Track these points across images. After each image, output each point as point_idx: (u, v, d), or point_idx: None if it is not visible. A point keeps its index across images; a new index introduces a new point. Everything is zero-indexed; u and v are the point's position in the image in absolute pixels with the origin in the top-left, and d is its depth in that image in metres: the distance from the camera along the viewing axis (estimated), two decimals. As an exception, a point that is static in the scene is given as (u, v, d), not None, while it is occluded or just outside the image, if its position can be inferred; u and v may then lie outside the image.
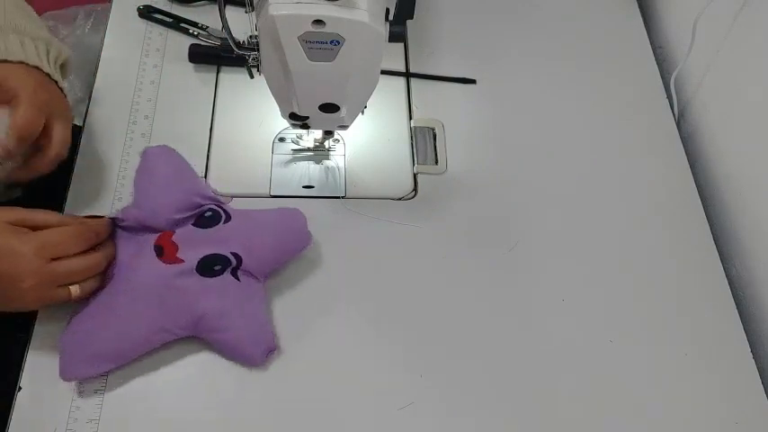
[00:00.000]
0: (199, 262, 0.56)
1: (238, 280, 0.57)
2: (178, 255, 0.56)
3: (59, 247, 0.52)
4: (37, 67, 0.58)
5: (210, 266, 0.56)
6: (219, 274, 0.57)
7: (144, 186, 0.61)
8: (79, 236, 0.53)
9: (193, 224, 0.59)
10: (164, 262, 0.56)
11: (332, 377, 0.58)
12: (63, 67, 0.62)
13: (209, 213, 0.59)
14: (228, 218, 0.59)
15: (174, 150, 0.63)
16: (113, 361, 0.55)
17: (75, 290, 0.53)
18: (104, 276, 0.56)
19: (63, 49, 0.62)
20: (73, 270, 0.53)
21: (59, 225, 0.53)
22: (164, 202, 0.59)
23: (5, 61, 0.56)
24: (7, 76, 0.55)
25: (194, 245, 0.57)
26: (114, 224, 0.59)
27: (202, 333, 0.56)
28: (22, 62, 0.57)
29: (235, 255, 0.57)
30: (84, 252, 0.54)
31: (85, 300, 0.55)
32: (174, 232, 0.58)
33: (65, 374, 0.54)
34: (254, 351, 0.57)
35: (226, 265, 0.57)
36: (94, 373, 0.55)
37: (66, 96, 0.60)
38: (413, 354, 0.60)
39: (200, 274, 0.56)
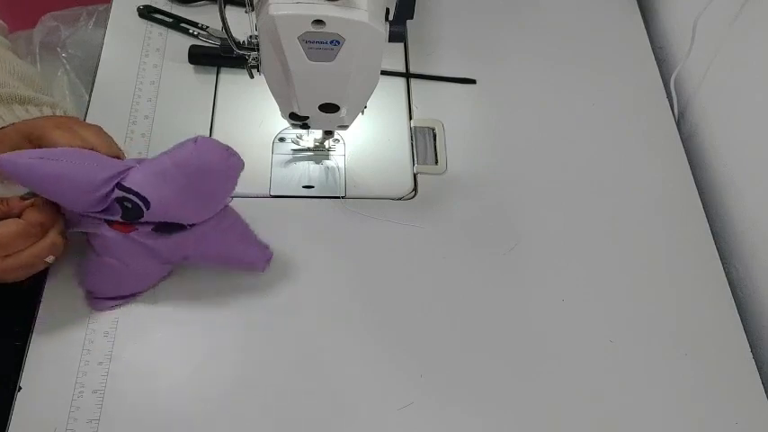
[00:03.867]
0: (153, 228, 0.56)
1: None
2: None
3: (9, 245, 0.52)
4: None
5: (166, 228, 0.56)
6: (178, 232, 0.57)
7: (41, 191, 0.53)
8: (24, 233, 0.52)
9: (123, 216, 0.54)
10: (116, 229, 0.56)
11: (332, 377, 0.58)
12: None
13: (128, 204, 0.54)
14: (148, 204, 0.54)
15: (14, 158, 0.51)
16: (131, 295, 0.60)
17: (50, 260, 0.55)
18: (66, 242, 0.56)
19: (68, 109, 0.63)
20: (31, 260, 0.53)
21: (1, 215, 0.53)
22: (73, 206, 0.54)
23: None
24: None
25: (138, 224, 0.56)
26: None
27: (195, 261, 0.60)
28: None
29: (183, 223, 0.57)
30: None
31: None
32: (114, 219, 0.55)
33: (96, 307, 0.59)
34: (255, 255, 0.61)
35: (180, 229, 0.57)
36: (119, 305, 0.60)
37: None
38: (413, 354, 0.60)
39: (161, 233, 0.57)
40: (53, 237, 0.54)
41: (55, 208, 0.55)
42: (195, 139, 0.55)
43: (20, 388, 0.55)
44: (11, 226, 0.52)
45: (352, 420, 0.56)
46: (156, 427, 0.55)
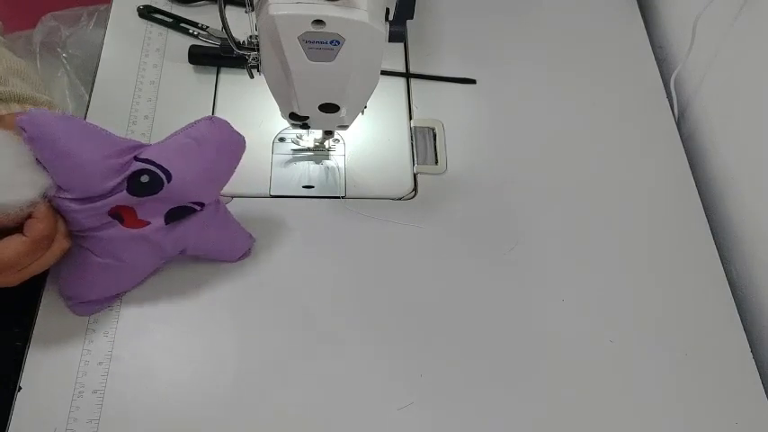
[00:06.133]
0: (165, 218, 0.56)
1: (201, 210, 0.58)
2: (140, 218, 0.55)
3: (18, 264, 0.51)
4: None
5: (178, 216, 0.57)
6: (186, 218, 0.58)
7: (54, 166, 0.51)
8: (31, 251, 0.51)
9: (133, 193, 0.53)
10: (129, 227, 0.55)
11: (331, 377, 0.58)
12: None
13: (145, 178, 0.53)
14: (170, 177, 0.53)
15: (52, 114, 0.52)
16: (116, 295, 0.60)
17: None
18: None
19: (67, 109, 0.62)
20: (42, 267, 0.53)
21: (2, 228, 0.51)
22: (87, 180, 0.52)
23: None
24: None
25: (150, 206, 0.55)
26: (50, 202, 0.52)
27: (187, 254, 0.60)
28: None
29: (196, 203, 0.57)
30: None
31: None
32: (124, 204, 0.54)
33: (78, 312, 0.59)
34: (235, 256, 0.63)
35: (191, 212, 0.57)
36: (105, 307, 0.60)
37: None
38: (413, 354, 0.60)
39: (172, 223, 0.57)
40: (61, 243, 0.53)
41: (54, 214, 0.52)
42: (210, 117, 0.57)
43: (20, 388, 0.55)
44: (18, 246, 0.50)
45: (352, 420, 0.56)
46: (156, 428, 0.55)
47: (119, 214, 0.54)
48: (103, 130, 0.53)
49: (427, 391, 0.58)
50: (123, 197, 0.53)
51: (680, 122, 0.79)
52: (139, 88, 0.72)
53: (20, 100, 0.59)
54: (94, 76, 0.73)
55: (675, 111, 0.78)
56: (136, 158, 0.53)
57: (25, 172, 0.51)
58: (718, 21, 0.73)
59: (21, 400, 0.55)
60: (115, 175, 0.52)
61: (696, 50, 0.76)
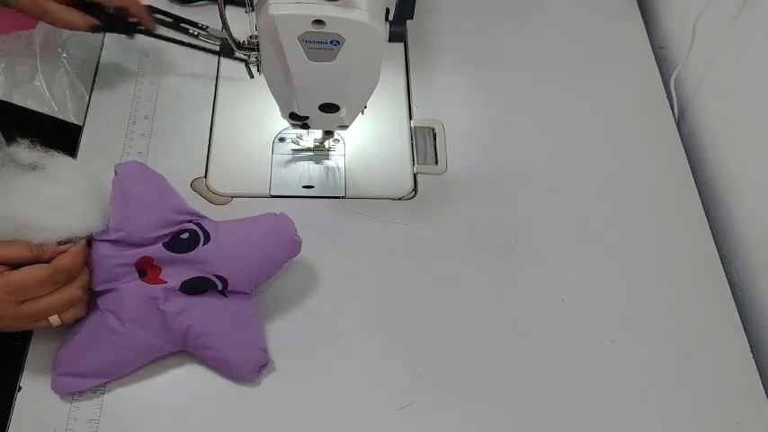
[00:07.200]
0: (182, 284, 0.55)
1: (225, 296, 0.57)
2: (161, 276, 0.55)
3: (30, 291, 0.50)
4: None
5: (195, 288, 0.55)
6: (204, 293, 0.56)
7: (121, 206, 0.56)
8: (49, 279, 0.51)
9: (168, 246, 0.55)
10: (147, 282, 0.55)
11: (332, 377, 0.58)
12: None
13: (185, 235, 0.56)
14: (208, 238, 0.56)
15: (147, 166, 0.60)
16: (105, 376, 0.55)
17: (54, 320, 0.52)
18: (86, 302, 0.55)
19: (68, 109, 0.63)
20: (46, 308, 0.51)
21: (34, 260, 0.51)
22: (142, 221, 0.55)
23: None
24: None
25: (176, 268, 0.55)
26: (90, 242, 0.55)
27: (191, 349, 0.56)
28: None
29: (219, 277, 0.55)
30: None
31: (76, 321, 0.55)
32: (154, 258, 0.55)
33: (56, 388, 0.55)
34: (242, 369, 0.56)
35: (210, 287, 0.56)
36: (85, 387, 0.55)
37: None
38: (413, 354, 0.60)
39: (186, 293, 0.55)
40: (73, 289, 0.52)
41: (84, 260, 0.53)
42: (279, 213, 0.59)
43: (20, 388, 0.55)
44: (36, 271, 0.50)
45: (352, 420, 0.56)
46: (156, 428, 0.55)
47: (143, 270, 0.55)
48: (179, 194, 0.59)
49: (427, 391, 0.58)
50: (157, 249, 0.55)
51: (680, 122, 0.79)
52: (139, 89, 0.72)
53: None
54: (95, 77, 0.73)
55: (675, 111, 0.78)
56: (191, 220, 0.57)
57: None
58: (718, 21, 0.73)
59: (21, 400, 0.55)
60: (166, 227, 0.56)
61: (696, 50, 0.76)
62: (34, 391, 0.55)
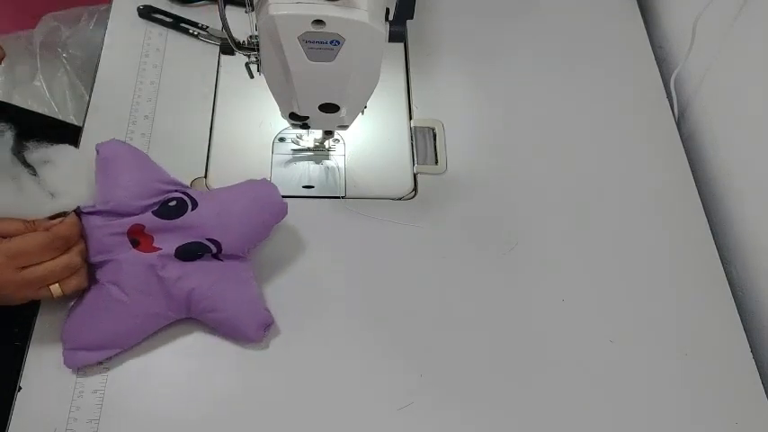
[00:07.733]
0: (176, 250, 0.56)
1: (221, 260, 0.58)
2: (154, 244, 0.56)
3: (29, 256, 0.52)
4: None
5: (190, 253, 0.56)
6: (200, 258, 0.57)
7: (105, 179, 0.58)
8: (48, 245, 0.52)
9: (157, 214, 0.56)
10: (141, 251, 0.56)
11: (332, 377, 0.58)
12: None
13: (173, 203, 0.57)
14: (195, 204, 0.58)
15: (130, 144, 0.62)
16: (115, 347, 0.56)
17: (55, 289, 0.53)
18: (86, 272, 0.56)
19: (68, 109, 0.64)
20: (46, 275, 0.52)
21: (28, 233, 0.53)
22: (128, 191, 0.57)
23: None
24: None
25: (168, 235, 0.57)
26: (79, 216, 0.56)
27: (195, 315, 0.57)
28: None
29: (211, 240, 0.57)
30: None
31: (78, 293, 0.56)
32: (145, 225, 0.56)
33: (69, 363, 0.56)
34: (249, 328, 0.57)
35: (205, 251, 0.57)
36: (98, 359, 0.56)
37: None
38: (413, 354, 0.60)
39: (182, 260, 0.56)
40: (72, 255, 0.54)
41: (79, 229, 0.55)
42: (263, 179, 0.61)
43: (20, 388, 0.55)
44: (36, 237, 0.52)
45: (352, 420, 0.56)
46: (156, 428, 0.55)
47: (136, 239, 0.56)
48: (161, 167, 0.61)
49: (427, 391, 0.58)
50: (147, 218, 0.56)
51: (680, 122, 0.79)
52: (139, 88, 0.72)
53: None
54: (94, 76, 0.73)
55: (675, 111, 0.78)
56: (176, 191, 0.58)
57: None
58: (718, 21, 0.73)
59: (21, 400, 0.55)
60: (153, 196, 0.57)
61: (696, 50, 0.76)
62: (34, 391, 0.55)
